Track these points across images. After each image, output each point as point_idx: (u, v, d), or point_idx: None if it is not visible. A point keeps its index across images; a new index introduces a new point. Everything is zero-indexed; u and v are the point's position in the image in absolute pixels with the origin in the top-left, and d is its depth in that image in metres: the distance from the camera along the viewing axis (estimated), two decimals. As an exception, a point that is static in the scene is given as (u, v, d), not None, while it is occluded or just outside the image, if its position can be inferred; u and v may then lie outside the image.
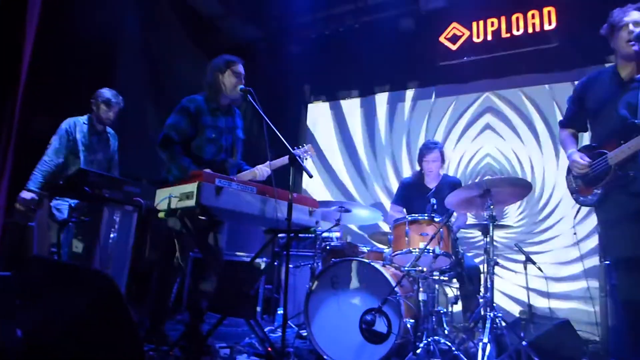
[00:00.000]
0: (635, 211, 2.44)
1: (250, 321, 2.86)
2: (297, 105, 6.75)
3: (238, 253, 4.57)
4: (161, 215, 2.41)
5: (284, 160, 3.08)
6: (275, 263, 4.59)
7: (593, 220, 3.86)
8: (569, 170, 2.78)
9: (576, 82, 2.87)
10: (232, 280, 3.10)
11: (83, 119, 3.59)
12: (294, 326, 3.77)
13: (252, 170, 3.11)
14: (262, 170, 3.09)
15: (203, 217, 2.76)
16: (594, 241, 3.84)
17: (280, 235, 3.03)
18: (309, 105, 6.79)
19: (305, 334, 3.17)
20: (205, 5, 5.92)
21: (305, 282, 4.00)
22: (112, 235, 3.11)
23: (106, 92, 3.60)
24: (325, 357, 2.90)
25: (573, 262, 4.59)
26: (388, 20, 5.78)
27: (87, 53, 4.17)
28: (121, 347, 1.56)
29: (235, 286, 2.96)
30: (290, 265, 4.22)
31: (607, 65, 2.72)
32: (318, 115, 6.70)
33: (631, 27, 2.47)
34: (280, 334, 2.46)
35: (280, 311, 4.10)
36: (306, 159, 3.41)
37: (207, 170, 2.49)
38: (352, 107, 6.45)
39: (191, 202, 2.26)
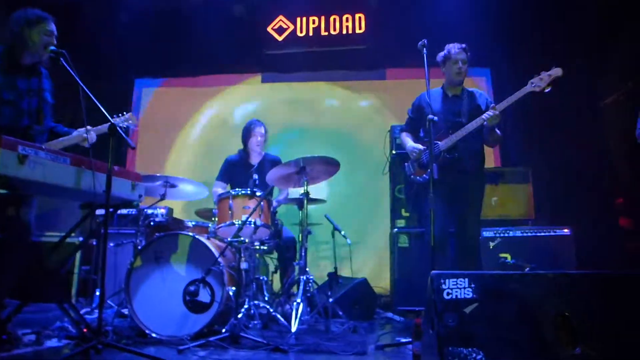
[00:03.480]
0: (462, 185, 3.05)
1: (63, 305, 2.54)
2: (124, 78, 6.10)
3: (48, 233, 3.98)
4: (-59, 187, 1.96)
5: (104, 127, 2.74)
6: (94, 242, 4.15)
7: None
8: (407, 159, 3.27)
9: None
10: (39, 262, 2.70)
11: None
12: (114, 305, 3.48)
13: (75, 136, 2.72)
14: (84, 135, 2.68)
15: (2, 190, 2.34)
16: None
17: (99, 213, 2.71)
18: (138, 80, 6.20)
19: (126, 312, 2.95)
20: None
21: (128, 260, 3.71)
22: None
23: None
24: (147, 331, 2.77)
25: (374, 231, 5.23)
26: (220, 3, 5.60)
27: None
28: None
29: (42, 269, 2.58)
30: (111, 244, 3.88)
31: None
32: (146, 92, 6.18)
33: (460, 64, 3.15)
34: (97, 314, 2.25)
35: (99, 292, 3.73)
36: (127, 128, 3.09)
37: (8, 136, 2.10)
38: (182, 85, 6.13)
39: (-15, 172, 1.89)
